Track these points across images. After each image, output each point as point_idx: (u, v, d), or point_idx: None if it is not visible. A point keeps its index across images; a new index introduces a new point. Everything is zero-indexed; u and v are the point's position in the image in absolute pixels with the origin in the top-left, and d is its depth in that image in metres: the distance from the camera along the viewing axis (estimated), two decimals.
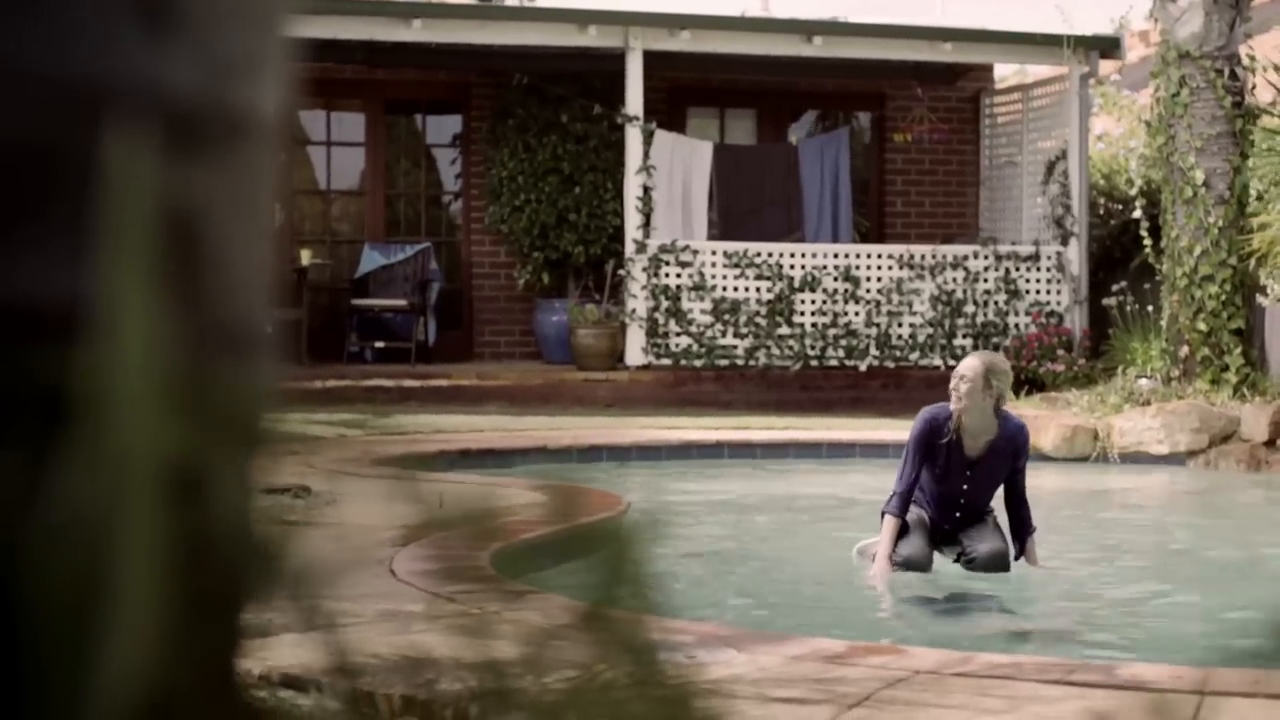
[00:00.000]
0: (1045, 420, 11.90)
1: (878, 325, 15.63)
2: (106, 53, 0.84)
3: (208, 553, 0.87)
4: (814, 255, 15.65)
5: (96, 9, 0.84)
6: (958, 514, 6.85)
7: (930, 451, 6.75)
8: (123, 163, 0.81)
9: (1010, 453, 6.78)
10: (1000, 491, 6.90)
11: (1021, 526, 6.85)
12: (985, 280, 15.87)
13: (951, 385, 6.69)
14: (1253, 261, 12.52)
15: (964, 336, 15.76)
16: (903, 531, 6.79)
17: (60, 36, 0.83)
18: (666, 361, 15.23)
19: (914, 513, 6.84)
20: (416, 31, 14.95)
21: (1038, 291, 15.94)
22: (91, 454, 0.79)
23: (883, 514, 6.80)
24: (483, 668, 1.15)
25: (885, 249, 16.04)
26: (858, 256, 15.79)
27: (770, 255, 15.48)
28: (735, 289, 15.39)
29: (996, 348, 15.68)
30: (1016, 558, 6.84)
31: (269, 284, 0.98)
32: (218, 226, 0.90)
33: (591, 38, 15.21)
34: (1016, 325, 15.84)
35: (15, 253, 0.80)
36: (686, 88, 17.35)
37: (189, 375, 0.85)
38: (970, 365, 6.70)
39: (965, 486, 6.79)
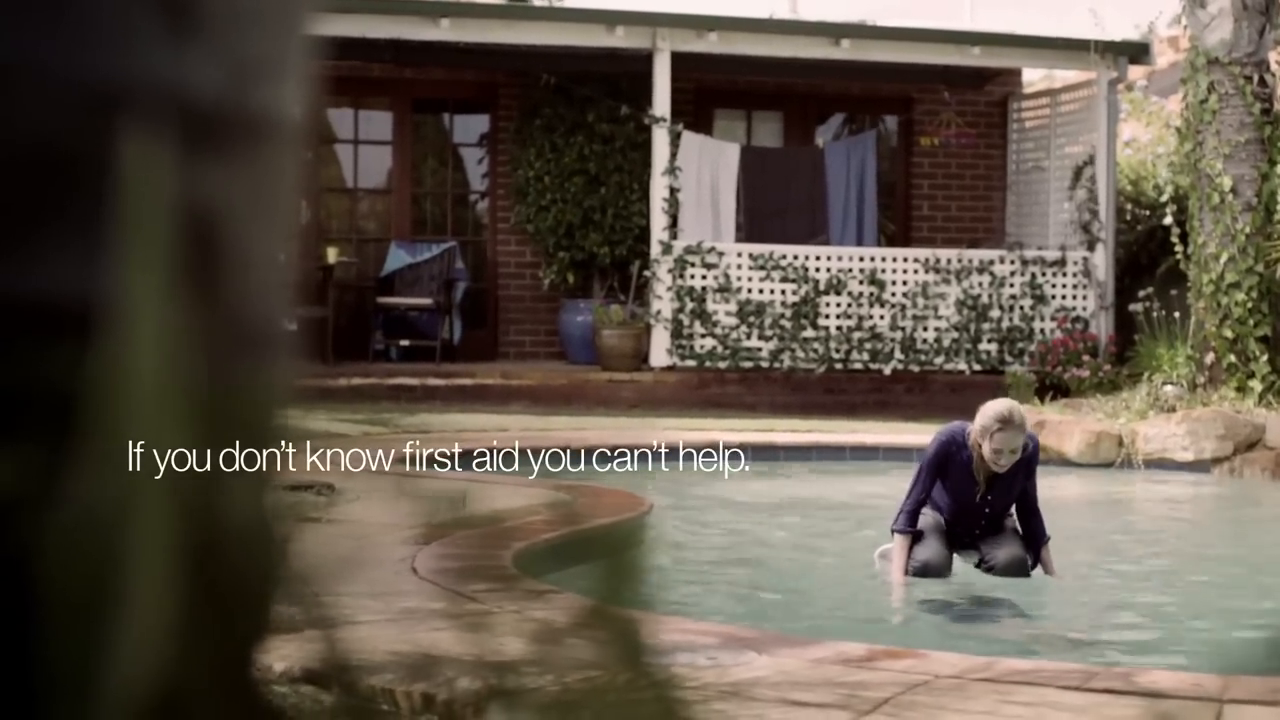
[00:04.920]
0: (1070, 426, 11.87)
1: (903, 329, 15.61)
2: (127, 54, 0.84)
3: (222, 551, 0.88)
4: (840, 258, 15.63)
5: (117, 11, 0.84)
6: (977, 530, 6.81)
7: (944, 472, 6.71)
8: (140, 163, 0.82)
9: (1024, 462, 6.73)
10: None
11: (1035, 537, 6.81)
12: (1011, 285, 15.83)
13: (991, 451, 6.48)
14: (1279, 268, 12.49)
15: (989, 341, 15.72)
16: (919, 538, 6.75)
17: (81, 38, 0.83)
18: (691, 363, 15.23)
19: (930, 518, 6.79)
20: (444, 31, 14.97)
21: (1063, 297, 15.89)
22: (105, 452, 0.80)
23: (892, 531, 6.79)
24: (499, 666, 1.16)
25: (911, 253, 16.01)
26: (883, 260, 15.77)
27: (796, 258, 15.47)
28: (760, 291, 15.37)
29: (1021, 353, 15.66)
30: (1033, 566, 6.81)
31: (290, 283, 0.98)
32: (236, 227, 0.91)
33: (619, 39, 15.22)
34: (1042, 330, 15.80)
35: (34, 252, 0.81)
36: (713, 89, 17.35)
37: (205, 374, 0.85)
38: (1013, 440, 6.51)
39: (989, 497, 6.75)
